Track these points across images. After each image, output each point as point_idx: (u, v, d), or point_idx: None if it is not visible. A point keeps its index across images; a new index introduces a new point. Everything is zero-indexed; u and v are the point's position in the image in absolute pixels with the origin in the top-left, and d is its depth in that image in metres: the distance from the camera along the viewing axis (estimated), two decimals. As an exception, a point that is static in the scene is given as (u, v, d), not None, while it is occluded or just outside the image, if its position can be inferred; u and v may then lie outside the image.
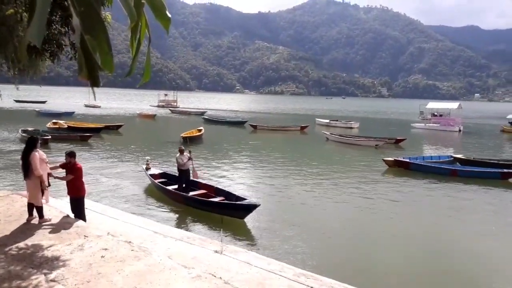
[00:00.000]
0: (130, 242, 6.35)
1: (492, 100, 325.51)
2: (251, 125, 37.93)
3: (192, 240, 6.77)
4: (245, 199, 10.52)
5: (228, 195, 11.14)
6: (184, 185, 11.83)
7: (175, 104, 73.30)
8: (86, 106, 62.61)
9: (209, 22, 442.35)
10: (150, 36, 2.40)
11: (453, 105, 48.68)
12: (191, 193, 11.44)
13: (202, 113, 55.39)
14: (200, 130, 28.99)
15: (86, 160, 17.82)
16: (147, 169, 13.86)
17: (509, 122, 43.72)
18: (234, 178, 15.88)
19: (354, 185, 15.16)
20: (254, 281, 5.25)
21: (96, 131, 28.50)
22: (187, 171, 12.00)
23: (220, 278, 5.17)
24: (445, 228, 10.83)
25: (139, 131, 35.39)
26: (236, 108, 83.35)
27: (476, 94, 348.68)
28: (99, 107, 62.52)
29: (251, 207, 9.89)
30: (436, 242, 9.66)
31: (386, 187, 15.08)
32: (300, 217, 10.94)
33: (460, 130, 40.52)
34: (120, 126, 31.98)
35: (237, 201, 10.36)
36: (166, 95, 78.60)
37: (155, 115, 50.39)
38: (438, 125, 42.56)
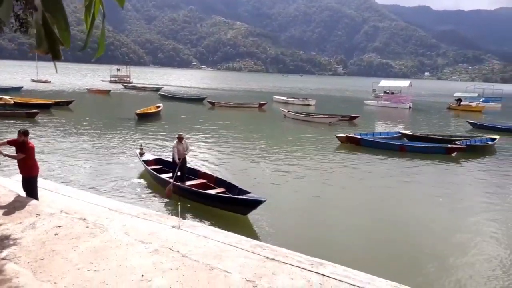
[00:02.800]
0: (84, 219, 6.26)
1: (440, 78, 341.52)
2: (209, 102, 37.59)
3: (149, 216, 6.77)
4: (248, 192, 9.41)
5: (229, 186, 10.09)
6: (180, 174, 10.54)
7: (128, 79, 70.76)
8: (34, 81, 59.11)
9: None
10: (104, 11, 2.39)
11: (404, 83, 50.54)
12: (188, 183, 10.36)
13: (158, 89, 54.01)
14: (158, 107, 28.36)
15: (34, 137, 17.03)
16: (141, 154, 12.69)
17: (455, 100, 46.11)
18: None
19: (308, 161, 15.58)
20: (212, 254, 5.38)
21: (45, 107, 27.15)
22: (184, 159, 10.73)
23: (178, 251, 5.25)
24: (393, 200, 11.46)
25: (91, 107, 34.06)
26: (193, 84, 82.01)
27: (426, 73, 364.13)
28: (49, 82, 59.31)
29: (255, 203, 8.77)
30: (385, 212, 10.21)
31: (338, 162, 15.62)
32: (257, 192, 11.14)
33: (410, 107, 42.32)
34: (70, 102, 30.61)
35: (239, 194, 9.33)
36: (118, 70, 75.47)
37: (110, 90, 48.43)
38: (390, 102, 44.21)
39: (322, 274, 5.03)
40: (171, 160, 11.44)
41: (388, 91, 49.52)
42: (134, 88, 58.18)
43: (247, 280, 4.64)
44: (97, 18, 2.34)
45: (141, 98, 42.65)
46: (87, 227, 5.93)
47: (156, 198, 10.12)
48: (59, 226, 5.84)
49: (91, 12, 2.29)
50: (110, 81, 69.27)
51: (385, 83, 51.79)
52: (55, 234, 5.54)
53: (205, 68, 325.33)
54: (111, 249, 5.20)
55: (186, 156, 10.77)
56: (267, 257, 5.42)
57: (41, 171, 11.25)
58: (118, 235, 5.69)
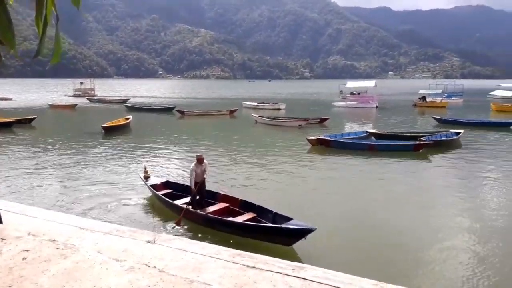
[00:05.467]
0: (54, 240, 5.97)
1: (404, 77, 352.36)
2: (178, 111, 37.17)
3: (121, 233, 6.53)
4: (285, 216, 8.10)
5: (260, 210, 8.77)
6: (198, 198, 9.40)
7: (92, 92, 69.18)
8: (-7, 99, 56.78)
9: (125, 4, 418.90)
10: (57, 14, 2.22)
11: (369, 83, 51.74)
12: (210, 209, 9.05)
13: (125, 101, 53.01)
14: (127, 119, 27.77)
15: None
16: (146, 178, 11.18)
17: (419, 98, 47.57)
18: (167, 166, 15.52)
19: (281, 164, 15.62)
20: (190, 266, 5.24)
21: (5, 125, 26.07)
22: (203, 183, 9.42)
23: (155, 267, 5.08)
24: (365, 198, 11.61)
25: (54, 124, 32.99)
26: (160, 94, 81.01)
27: (390, 72, 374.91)
28: (10, 99, 57.08)
29: (304, 233, 7.42)
30: (358, 211, 10.33)
31: (310, 165, 15.75)
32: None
33: (377, 107, 43.37)
34: (33, 119, 29.49)
35: (276, 220, 8.14)
36: (82, 83, 73.59)
37: (76, 105, 47.13)
38: (357, 102, 45.14)
39: (303, 278, 4.99)
40: (179, 182, 10.74)
41: (354, 92, 50.55)
42: (99, 101, 56.83)
43: (228, 291, 4.53)
44: (50, 23, 2.16)
45: (107, 111, 41.67)
46: (57, 248, 5.65)
47: (128, 213, 9.83)
48: (27, 250, 5.53)
49: (43, 15, 2.12)
50: (74, 95, 67.48)
51: (351, 84, 52.87)
52: (23, 259, 5.25)
53: (171, 77, 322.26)
54: (84, 269, 4.97)
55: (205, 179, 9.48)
56: (248, 266, 5.33)
57: (5, 193, 10.78)
58: (91, 255, 5.45)
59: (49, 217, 7.59)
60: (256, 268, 5.27)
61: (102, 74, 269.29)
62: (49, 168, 14.88)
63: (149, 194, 11.12)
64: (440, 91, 56.74)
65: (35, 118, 29.70)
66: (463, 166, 15.75)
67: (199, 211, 8.85)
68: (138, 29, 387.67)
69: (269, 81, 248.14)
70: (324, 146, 18.98)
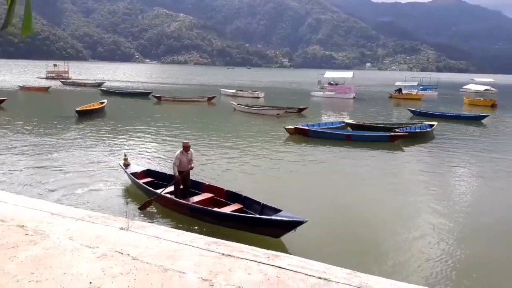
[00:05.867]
0: (23, 226, 5.78)
1: (381, 68, 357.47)
2: (155, 96, 36.53)
3: (94, 219, 6.39)
4: (273, 207, 7.94)
5: (247, 201, 8.55)
6: (182, 188, 9.01)
7: (66, 75, 67.20)
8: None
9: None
10: None
11: (347, 74, 52.27)
12: (194, 199, 8.76)
13: (99, 84, 51.66)
14: (102, 103, 27.11)
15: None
16: (126, 165, 10.73)
17: (395, 90, 48.27)
18: (142, 152, 15.24)
19: (259, 153, 15.59)
20: (165, 254, 5.17)
21: (-27, 107, 25.10)
22: (188, 173, 9.12)
23: (128, 254, 4.99)
24: (342, 188, 11.75)
25: (26, 106, 31.87)
26: (137, 78, 79.45)
27: (367, 64, 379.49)
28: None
29: (294, 225, 7.25)
30: (335, 201, 10.43)
31: (287, 154, 15.73)
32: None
33: (354, 97, 43.79)
34: (2, 101, 28.43)
35: (264, 211, 7.99)
36: (55, 65, 71.40)
37: (49, 87, 45.67)
38: (335, 93, 45.47)
39: (278, 267, 5.01)
40: (161, 170, 10.47)
41: (332, 82, 50.91)
42: (74, 84, 55.33)
43: (203, 279, 4.50)
44: None
45: (80, 95, 40.62)
46: (26, 234, 5.47)
47: (102, 199, 9.62)
48: (-6, 236, 5.34)
49: None
50: (47, 78, 65.42)
51: (330, 74, 53.24)
52: (-11, 245, 5.06)
53: (148, 61, 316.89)
54: (55, 256, 4.83)
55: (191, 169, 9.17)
56: (223, 254, 5.31)
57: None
58: (62, 241, 5.31)
59: (18, 202, 7.36)
60: (231, 256, 5.26)
61: (77, 56, 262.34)
62: (20, 152, 14.38)
63: (126, 181, 10.92)
64: (416, 83, 57.76)
65: (5, 100, 28.63)
66: (436, 157, 16.16)
67: (183, 201, 8.56)
68: (115, 12, 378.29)
69: (249, 68, 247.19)
70: (302, 135, 19.05)
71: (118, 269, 4.62)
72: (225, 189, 9.14)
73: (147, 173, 10.64)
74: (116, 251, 5.07)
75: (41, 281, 4.27)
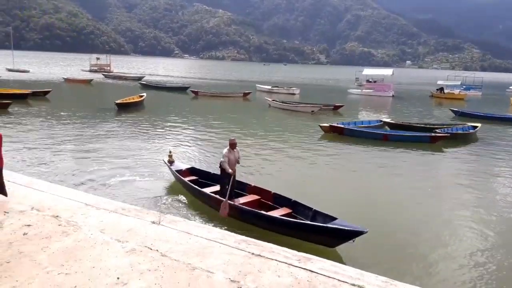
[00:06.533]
0: (57, 216, 5.87)
1: (422, 67, 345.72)
2: (193, 91, 36.98)
3: (127, 212, 6.41)
4: (327, 214, 7.49)
5: (296, 205, 8.12)
6: (229, 189, 8.33)
7: (108, 68, 69.39)
8: (9, 70, 57.15)
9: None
10: None
11: (387, 71, 50.75)
12: (240, 200, 8.44)
13: (140, 78, 52.96)
14: (141, 96, 27.73)
15: (5, 129, 16.34)
16: (170, 162, 10.66)
17: (437, 89, 46.47)
18: (180, 145, 15.39)
19: (294, 150, 15.36)
20: (194, 251, 5.09)
21: (21, 97, 26.23)
22: (235, 172, 8.56)
23: (157, 250, 4.94)
24: (379, 190, 11.33)
25: (69, 98, 33.08)
26: (176, 73, 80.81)
27: (407, 61, 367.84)
28: (27, 71, 57.57)
29: (353, 235, 6.77)
30: (371, 204, 10.05)
31: (322, 153, 15.40)
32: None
33: (393, 95, 42.52)
34: (48, 92, 29.64)
35: (316, 217, 7.59)
36: (98, 58, 74.02)
37: (92, 80, 47.32)
38: (373, 90, 44.31)
39: (310, 270, 4.82)
40: (203, 169, 10.40)
41: (370, 80, 49.66)
42: (115, 77, 57.01)
43: (231, 280, 4.37)
44: None
45: (121, 88, 41.71)
46: (59, 225, 5.55)
47: (136, 192, 9.71)
48: (29, 225, 5.44)
49: None
50: (90, 70, 67.83)
51: (368, 71, 52.01)
52: (24, 234, 5.15)
53: (187, 57, 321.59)
54: (85, 249, 4.85)
55: (237, 167, 8.73)
56: (253, 253, 5.17)
57: (13, 164, 10.75)
58: (93, 233, 5.34)
59: (56, 192, 7.52)
60: (261, 256, 5.12)
61: (119, 50, 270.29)
62: (61, 142, 14.86)
63: (163, 174, 11.07)
64: (458, 82, 55.34)
65: (50, 91, 29.84)
66: (479, 161, 15.27)
67: (232, 202, 8.15)
68: (156, 7, 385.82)
69: (285, 65, 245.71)
70: (337, 133, 18.61)
71: (146, 265, 4.57)
72: (272, 191, 8.71)
73: (191, 171, 10.45)
74: (146, 246, 5.04)
75: (70, 274, 4.28)
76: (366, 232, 6.65)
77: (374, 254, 7.19)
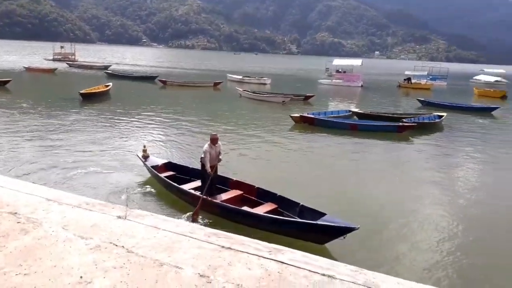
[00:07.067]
0: (16, 213, 5.56)
1: (390, 57, 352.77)
2: (161, 81, 36.27)
3: (91, 206, 6.15)
4: (314, 209, 7.30)
5: (282, 201, 7.84)
6: (209, 184, 7.94)
7: (73, 57, 67.05)
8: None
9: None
10: None
11: (356, 62, 51.39)
12: (222, 197, 8.06)
13: (106, 67, 51.46)
14: (107, 86, 26.90)
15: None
16: (145, 157, 10.05)
17: (404, 79, 47.49)
18: (147, 137, 15.03)
19: (266, 141, 15.32)
20: (162, 246, 4.94)
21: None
22: (215, 168, 8.22)
23: (123, 246, 4.75)
24: (348, 178, 11.46)
25: (30, 88, 31.75)
26: (144, 62, 78.99)
27: (376, 52, 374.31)
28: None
29: (343, 231, 6.68)
30: (341, 192, 10.15)
31: (292, 142, 15.46)
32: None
33: (362, 86, 43.16)
34: (7, 81, 28.29)
35: (303, 213, 7.38)
36: (62, 47, 71.38)
37: (56, 69, 45.58)
38: (342, 81, 44.82)
39: (281, 262, 4.76)
40: (182, 164, 9.96)
41: (340, 70, 50.18)
42: (80, 66, 55.16)
43: (200, 275, 4.25)
44: None
45: (86, 77, 40.41)
46: (18, 222, 5.25)
47: (101, 185, 9.40)
48: (-16, 223, 5.13)
49: None
50: (53, 59, 65.32)
51: (338, 62, 52.43)
52: (-21, 233, 4.85)
53: (155, 45, 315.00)
54: (46, 247, 4.61)
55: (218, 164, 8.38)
56: (223, 246, 5.07)
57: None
58: (55, 230, 5.08)
59: (15, 187, 7.14)
60: (231, 249, 5.03)
61: (84, 39, 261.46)
62: (21, 134, 14.21)
63: (129, 166, 10.82)
64: (425, 73, 56.80)
65: (10, 80, 28.49)
66: (445, 148, 15.79)
67: (214, 200, 7.83)
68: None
69: (256, 54, 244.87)
70: (308, 123, 18.71)
71: (111, 262, 4.39)
72: (256, 186, 8.39)
73: (168, 166, 9.89)
74: (111, 242, 4.84)
75: (29, 274, 4.05)
76: (357, 229, 6.58)
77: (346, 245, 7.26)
